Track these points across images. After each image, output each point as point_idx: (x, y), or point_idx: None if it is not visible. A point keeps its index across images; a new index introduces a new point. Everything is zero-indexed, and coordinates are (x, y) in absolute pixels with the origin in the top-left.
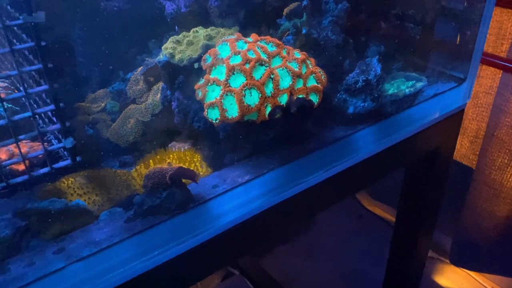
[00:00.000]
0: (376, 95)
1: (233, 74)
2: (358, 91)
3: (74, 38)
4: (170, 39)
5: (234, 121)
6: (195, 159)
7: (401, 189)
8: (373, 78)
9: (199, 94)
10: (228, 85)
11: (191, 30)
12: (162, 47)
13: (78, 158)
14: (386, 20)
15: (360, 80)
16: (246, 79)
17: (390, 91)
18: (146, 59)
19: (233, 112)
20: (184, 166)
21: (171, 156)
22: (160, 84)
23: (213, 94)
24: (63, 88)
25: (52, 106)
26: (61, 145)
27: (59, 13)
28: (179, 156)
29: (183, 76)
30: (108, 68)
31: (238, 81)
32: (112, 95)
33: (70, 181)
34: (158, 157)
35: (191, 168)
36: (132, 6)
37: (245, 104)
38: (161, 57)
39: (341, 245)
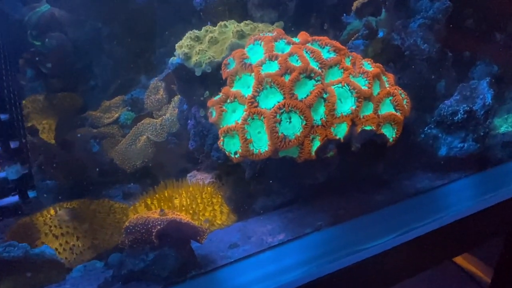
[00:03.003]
0: (482, 133)
1: (265, 88)
2: (456, 126)
3: (91, 33)
4: (187, 35)
5: (262, 158)
6: (214, 201)
7: (500, 253)
8: (480, 109)
9: (213, 114)
10: (255, 104)
11: (218, 24)
12: (176, 45)
13: (31, 194)
14: (503, 30)
15: (461, 111)
16: (284, 98)
17: (502, 129)
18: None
19: (262, 144)
20: (181, 218)
21: (183, 193)
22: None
23: (233, 116)
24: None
25: None
26: (1, 175)
27: (77, 3)
28: (193, 195)
29: (204, 85)
30: (132, 70)
31: (271, 100)
32: (130, 104)
33: (48, 216)
34: (166, 194)
35: (207, 214)
36: None
37: (279, 134)
38: (174, 58)
39: None
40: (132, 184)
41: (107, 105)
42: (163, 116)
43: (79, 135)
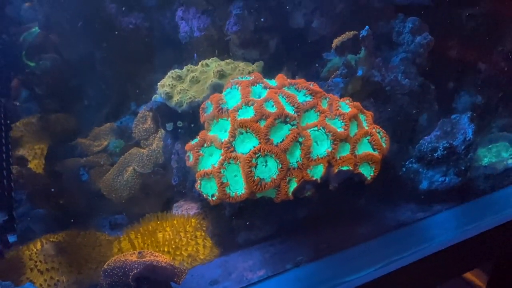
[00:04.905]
0: (463, 168)
1: (241, 134)
2: (437, 161)
3: (84, 56)
4: (169, 74)
5: (239, 201)
6: (198, 234)
7: (490, 276)
8: (460, 144)
9: (190, 159)
10: (231, 148)
11: (200, 63)
12: (158, 84)
13: (12, 239)
14: (487, 59)
15: (441, 148)
16: (260, 143)
17: (485, 161)
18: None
19: (238, 187)
20: (158, 261)
21: (167, 227)
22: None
23: (210, 160)
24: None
25: None
26: None
27: (67, 28)
28: (177, 230)
29: (186, 122)
30: (123, 96)
31: (247, 145)
32: (119, 132)
33: (35, 251)
34: (150, 227)
35: (190, 248)
36: (152, 24)
37: (255, 178)
38: (157, 96)
39: None
40: (119, 215)
41: (97, 132)
42: (150, 147)
43: (68, 165)
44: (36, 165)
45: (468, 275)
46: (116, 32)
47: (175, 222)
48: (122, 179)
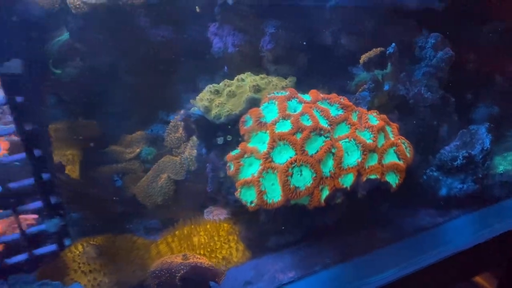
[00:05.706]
0: (480, 175)
1: (278, 145)
2: (456, 169)
3: (111, 64)
4: (207, 88)
5: (275, 207)
6: (231, 238)
7: (499, 280)
8: (478, 153)
9: (231, 168)
10: (270, 159)
11: (235, 78)
12: (197, 98)
13: (67, 242)
14: (503, 72)
15: (460, 157)
16: (296, 154)
17: (501, 168)
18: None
19: (275, 195)
20: (202, 262)
21: (202, 232)
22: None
23: (250, 170)
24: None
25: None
26: (41, 227)
27: (100, 39)
28: (211, 234)
29: (222, 134)
30: (151, 105)
31: (284, 155)
32: (150, 140)
33: (77, 253)
34: (185, 231)
35: (224, 251)
36: (180, 37)
37: (291, 186)
38: (195, 109)
39: None
40: (153, 220)
41: (129, 140)
42: (182, 155)
43: (102, 172)
44: (69, 170)
45: (478, 278)
46: (146, 43)
47: (208, 226)
48: (156, 185)
